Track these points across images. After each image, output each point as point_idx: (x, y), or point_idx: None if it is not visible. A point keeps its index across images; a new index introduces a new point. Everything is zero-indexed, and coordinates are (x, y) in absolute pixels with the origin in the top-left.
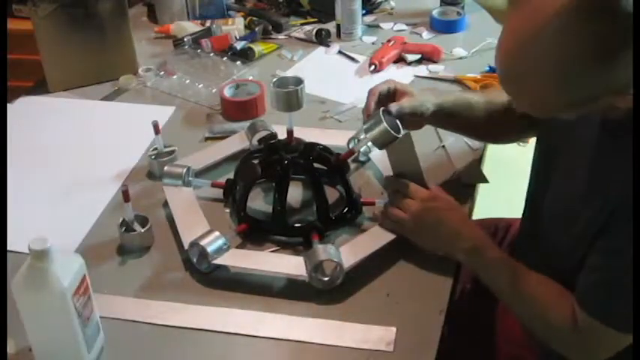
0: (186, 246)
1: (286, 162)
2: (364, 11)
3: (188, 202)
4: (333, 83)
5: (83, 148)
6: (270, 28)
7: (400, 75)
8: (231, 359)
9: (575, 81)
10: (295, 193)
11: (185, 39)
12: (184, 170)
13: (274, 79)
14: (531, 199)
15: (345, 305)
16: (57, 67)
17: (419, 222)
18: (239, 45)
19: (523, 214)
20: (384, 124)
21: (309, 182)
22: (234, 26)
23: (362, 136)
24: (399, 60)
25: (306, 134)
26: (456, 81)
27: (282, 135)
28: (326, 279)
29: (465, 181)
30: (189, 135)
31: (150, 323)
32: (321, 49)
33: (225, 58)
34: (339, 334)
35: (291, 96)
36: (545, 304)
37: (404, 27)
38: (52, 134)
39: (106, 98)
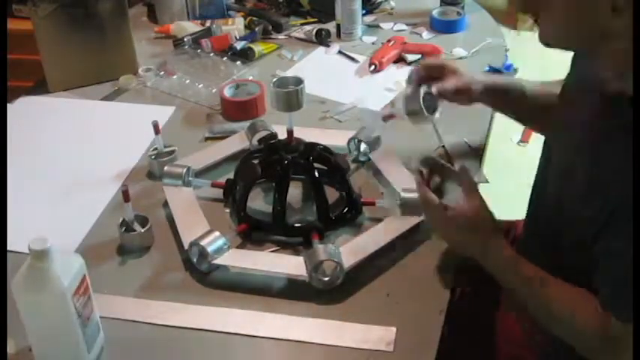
0: (186, 246)
1: (286, 162)
2: (364, 11)
3: (188, 202)
4: (333, 83)
5: (83, 148)
6: (270, 28)
7: (401, 74)
8: (231, 359)
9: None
10: (295, 193)
11: (185, 39)
12: (184, 170)
13: (274, 79)
14: (534, 198)
15: (345, 305)
16: (57, 67)
17: (456, 232)
18: (239, 45)
19: (527, 214)
20: (420, 103)
21: (309, 182)
22: (234, 26)
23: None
24: (399, 60)
25: (306, 134)
26: None
27: (282, 135)
28: (326, 279)
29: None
30: (189, 135)
31: (150, 323)
32: (321, 49)
33: (225, 58)
34: (339, 334)
35: (291, 96)
36: (571, 312)
37: (404, 27)
38: (52, 134)
39: (106, 98)
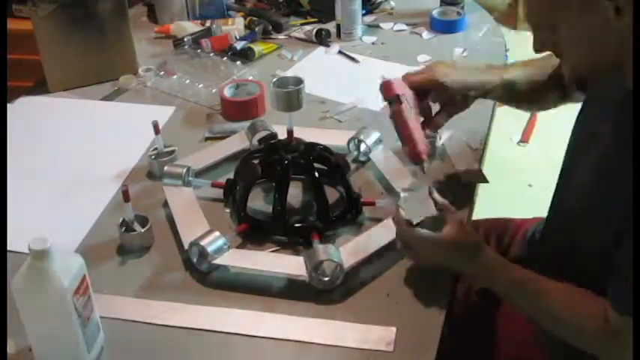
0: (186, 246)
1: (286, 162)
2: (364, 11)
3: (188, 202)
4: (333, 83)
5: (83, 148)
6: (270, 28)
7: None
8: (231, 359)
9: None
10: (295, 193)
11: (185, 39)
12: (184, 170)
13: (274, 79)
14: (558, 196)
15: (345, 305)
16: (57, 67)
17: (427, 262)
18: (239, 45)
19: (549, 212)
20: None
21: (309, 182)
22: (234, 26)
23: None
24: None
25: (306, 134)
26: None
27: (282, 135)
28: (326, 279)
29: (465, 181)
30: (189, 135)
31: (150, 323)
32: (321, 49)
33: (225, 58)
34: (339, 334)
35: (291, 96)
36: (571, 312)
37: (404, 27)
38: (52, 134)
39: (106, 98)
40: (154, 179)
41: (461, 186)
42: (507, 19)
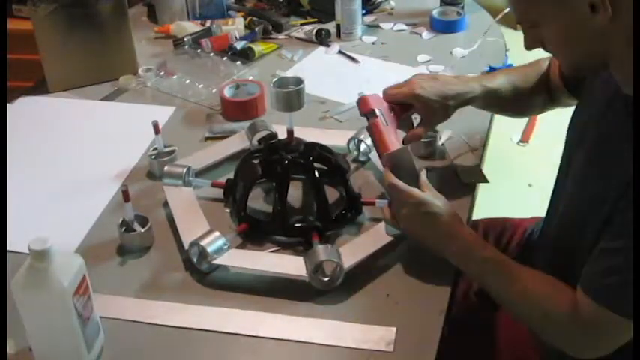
0: (186, 246)
1: (286, 162)
2: (364, 11)
3: (188, 202)
4: (333, 83)
5: (83, 148)
6: (270, 28)
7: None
8: (231, 359)
9: None
10: (295, 193)
11: (185, 39)
12: (184, 170)
13: (274, 79)
14: (555, 196)
15: (345, 305)
16: (57, 67)
17: (409, 227)
18: (239, 45)
19: (547, 212)
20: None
21: (309, 182)
22: (234, 26)
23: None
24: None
25: (306, 134)
26: None
27: (282, 135)
28: (326, 279)
29: (465, 181)
30: (189, 135)
31: (150, 323)
32: (321, 49)
33: (225, 58)
34: (339, 334)
35: (291, 96)
36: (540, 296)
37: (404, 27)
38: (52, 134)
39: (106, 98)
40: (154, 179)
41: (461, 186)
42: (507, 19)
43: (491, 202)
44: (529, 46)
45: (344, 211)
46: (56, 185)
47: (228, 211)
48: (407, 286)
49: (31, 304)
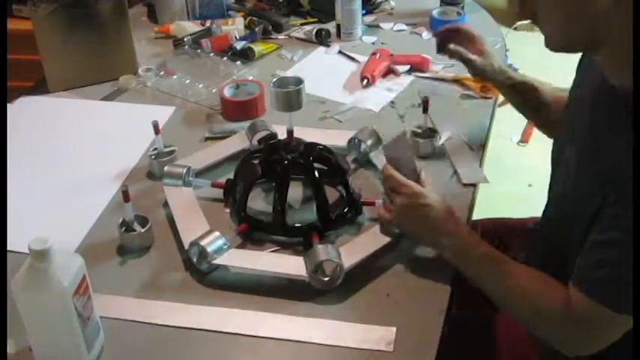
0: (186, 246)
1: (286, 162)
2: (364, 11)
3: (188, 202)
4: (333, 83)
5: (83, 148)
6: (270, 28)
7: (402, 75)
8: (231, 359)
9: None
10: (295, 193)
11: (185, 39)
12: (184, 170)
13: (274, 79)
14: (549, 197)
15: (345, 305)
16: (57, 67)
17: (403, 218)
18: (239, 45)
19: (543, 212)
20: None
21: (309, 182)
22: (234, 26)
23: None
24: (389, 72)
25: (306, 134)
26: (456, 81)
27: (282, 135)
28: (326, 279)
29: (465, 181)
30: (189, 135)
31: (150, 323)
32: (321, 49)
33: (225, 58)
34: (339, 334)
35: (291, 96)
36: (533, 292)
37: (404, 27)
38: (52, 134)
39: (106, 98)
40: (154, 179)
41: (461, 186)
42: (507, 18)
43: (491, 202)
44: (521, 14)
45: (344, 211)
46: (56, 185)
47: (228, 211)
48: (407, 286)
49: (31, 304)
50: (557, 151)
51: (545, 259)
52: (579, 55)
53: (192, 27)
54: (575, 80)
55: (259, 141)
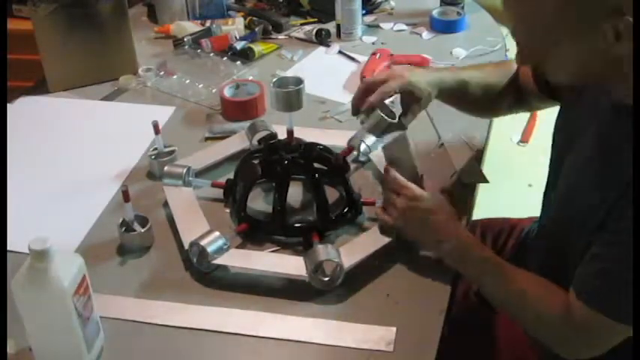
0: (186, 246)
1: (286, 162)
2: (364, 11)
3: (188, 202)
4: (333, 83)
5: (83, 148)
6: (270, 28)
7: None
8: (231, 359)
9: None
10: (295, 193)
11: (185, 39)
12: (184, 170)
13: (274, 79)
14: (546, 200)
15: (345, 305)
16: (57, 67)
17: (403, 220)
18: (239, 45)
19: (541, 212)
20: (378, 111)
21: (309, 182)
22: (234, 26)
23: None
24: None
25: (306, 134)
26: None
27: (282, 135)
28: (326, 279)
29: (465, 181)
30: (189, 135)
31: (150, 323)
32: (321, 49)
33: (225, 58)
34: (339, 334)
35: (291, 96)
36: (534, 298)
37: (404, 27)
38: (52, 134)
39: (106, 98)
40: (154, 179)
41: (461, 186)
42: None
43: (491, 202)
44: (521, 63)
45: (344, 211)
46: (56, 185)
47: (228, 211)
48: (407, 286)
49: (31, 304)
50: (556, 155)
51: (541, 264)
52: None
53: (192, 27)
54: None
55: (259, 141)
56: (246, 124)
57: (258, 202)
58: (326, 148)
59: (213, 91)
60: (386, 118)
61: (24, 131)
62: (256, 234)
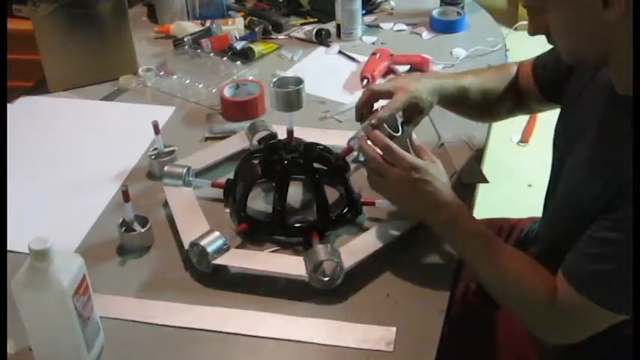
0: (186, 246)
1: (286, 162)
2: (364, 11)
3: (188, 202)
4: (333, 83)
5: (83, 148)
6: (270, 28)
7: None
8: (231, 359)
9: None
10: (295, 193)
11: (185, 39)
12: (184, 170)
13: (274, 79)
14: (547, 201)
15: (345, 305)
16: (57, 67)
17: (397, 190)
18: (239, 45)
19: (542, 212)
20: (385, 126)
21: (309, 182)
22: (234, 26)
23: (360, 134)
24: (389, 72)
25: (306, 134)
26: None
27: (282, 135)
28: (326, 279)
29: (465, 181)
30: (189, 135)
31: (150, 323)
32: (321, 49)
33: (225, 58)
34: (339, 334)
35: (291, 96)
36: (519, 276)
37: (404, 27)
38: (52, 134)
39: (106, 98)
40: (154, 179)
41: (461, 186)
42: (507, 18)
43: (491, 202)
44: (533, 30)
45: (344, 211)
46: (56, 185)
47: (228, 211)
48: (407, 286)
49: (31, 304)
50: (557, 159)
51: (544, 261)
52: None
53: (192, 27)
54: (579, 79)
55: (259, 141)
56: (246, 124)
57: (258, 202)
58: (326, 148)
59: (213, 91)
60: (393, 133)
61: (24, 131)
62: (256, 234)
